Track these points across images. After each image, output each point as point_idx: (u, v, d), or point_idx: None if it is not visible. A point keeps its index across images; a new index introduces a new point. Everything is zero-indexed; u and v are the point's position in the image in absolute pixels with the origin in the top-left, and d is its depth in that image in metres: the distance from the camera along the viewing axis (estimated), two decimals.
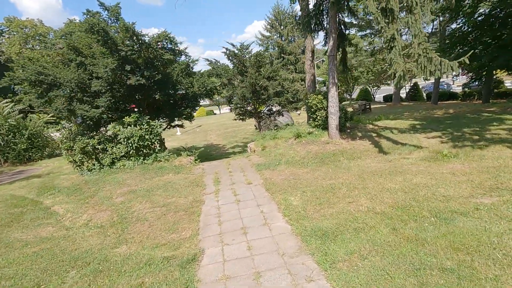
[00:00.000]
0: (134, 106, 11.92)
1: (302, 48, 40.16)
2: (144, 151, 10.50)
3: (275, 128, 23.53)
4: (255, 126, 24.80)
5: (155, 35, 9.81)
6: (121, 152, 10.49)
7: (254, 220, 5.12)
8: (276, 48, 43.35)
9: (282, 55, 40.42)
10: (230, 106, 15.32)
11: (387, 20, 6.83)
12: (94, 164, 10.71)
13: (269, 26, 50.86)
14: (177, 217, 5.60)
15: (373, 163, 7.74)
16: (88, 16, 10.01)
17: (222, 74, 13.01)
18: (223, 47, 13.59)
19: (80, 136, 10.81)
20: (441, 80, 44.93)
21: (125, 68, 9.73)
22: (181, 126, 15.20)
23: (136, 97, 10.62)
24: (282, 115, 14.96)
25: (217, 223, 5.21)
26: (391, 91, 40.30)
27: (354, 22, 26.60)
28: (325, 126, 11.36)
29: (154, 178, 8.63)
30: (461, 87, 40.90)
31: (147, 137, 10.25)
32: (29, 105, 14.06)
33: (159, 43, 9.91)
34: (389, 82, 42.81)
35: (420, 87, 36.94)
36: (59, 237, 5.43)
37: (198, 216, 5.60)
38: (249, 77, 12.42)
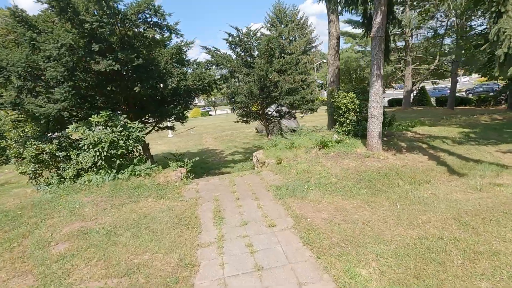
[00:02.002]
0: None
1: (302, 47, 37.77)
2: (118, 161, 7.73)
3: (279, 132, 20.93)
4: (256, 129, 22.14)
5: (133, 3, 7.08)
6: (88, 163, 7.71)
7: None
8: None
9: (282, 54, 37.87)
10: (231, 106, 12.64)
11: None
12: (52, 177, 7.95)
13: (269, 25, 48.44)
14: None
15: (455, 192, 5.14)
16: None
17: (224, 64, 10.33)
18: (226, 32, 10.95)
19: (32, 140, 7.98)
20: (443, 85, 43.07)
21: (91, 48, 6.99)
22: (171, 128, 12.43)
23: (109, 89, 7.86)
24: (295, 118, 12.34)
25: None
26: (392, 95, 38.18)
27: None
28: (356, 133, 8.78)
29: (126, 205, 5.88)
30: (464, 93, 39.11)
31: (121, 143, 7.49)
32: None
33: (139, 14, 7.19)
34: (394, 85, 40.65)
35: None
36: None
37: None
38: (258, 69, 9.76)
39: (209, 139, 22.57)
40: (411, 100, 30.63)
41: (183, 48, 9.07)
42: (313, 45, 53.11)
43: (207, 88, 10.71)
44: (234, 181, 7.10)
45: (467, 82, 53.43)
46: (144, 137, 8.39)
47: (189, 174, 9.13)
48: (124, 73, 8.14)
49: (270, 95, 10.71)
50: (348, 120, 8.92)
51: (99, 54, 7.35)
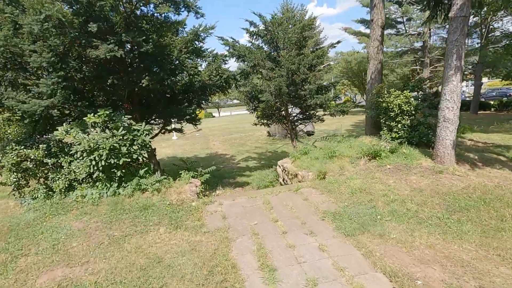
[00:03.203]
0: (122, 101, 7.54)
1: (311, 48, 36.19)
2: (119, 173, 6.13)
3: (295, 136, 19.31)
4: (268, 132, 20.53)
5: None
6: (81, 173, 6.12)
7: None
8: None
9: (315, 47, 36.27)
10: (249, 106, 11.04)
11: None
12: (39, 189, 6.39)
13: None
14: None
15: None
16: None
17: (246, 56, 8.72)
18: (247, 20, 9.38)
19: (13, 144, 6.37)
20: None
21: (88, 28, 5.41)
22: (180, 131, 10.83)
23: (109, 82, 6.26)
24: (323, 120, 10.72)
25: None
26: None
27: None
28: (410, 141, 7.16)
29: (129, 238, 4.26)
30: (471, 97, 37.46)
31: (123, 150, 5.89)
32: None
33: None
34: None
35: None
36: None
37: None
38: (288, 61, 8.17)
39: (217, 143, 20.97)
40: None
41: (201, 34, 7.46)
42: (321, 46, 51.56)
43: (224, 85, 9.11)
44: (270, 202, 5.47)
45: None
46: (151, 142, 6.80)
47: (203, 186, 7.57)
48: (129, 61, 6.57)
49: (299, 93, 9.11)
50: (399, 125, 7.30)
51: (97, 37, 5.78)
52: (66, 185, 6.21)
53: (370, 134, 9.02)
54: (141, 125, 6.35)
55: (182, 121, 9.00)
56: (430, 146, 7.28)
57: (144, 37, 5.84)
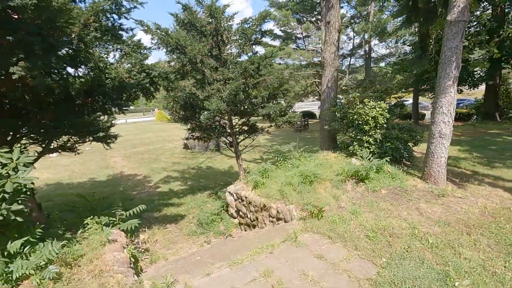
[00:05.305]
0: None
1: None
2: None
3: (216, 148, 17.22)
4: (185, 144, 17.75)
5: None
6: None
7: None
8: None
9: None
10: (174, 116, 8.53)
11: None
12: None
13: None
14: None
15: None
16: None
17: (187, 48, 6.33)
18: (178, 2, 7.03)
19: None
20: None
21: None
22: (72, 149, 7.27)
23: None
24: (269, 133, 9.24)
25: None
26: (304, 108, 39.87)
27: None
28: (382, 156, 6.44)
29: None
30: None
31: None
32: None
33: None
34: (311, 98, 42.53)
35: None
36: None
37: None
38: (248, 61, 6.31)
39: (119, 159, 16.79)
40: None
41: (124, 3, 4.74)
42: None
43: (150, 86, 6.45)
44: (273, 271, 3.45)
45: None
46: (33, 184, 3.71)
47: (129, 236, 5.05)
48: None
49: (251, 101, 7.36)
50: (371, 139, 6.53)
51: None
52: None
53: (327, 149, 8.10)
54: (11, 153, 3.28)
55: (89, 139, 5.84)
56: (400, 162, 6.81)
57: None
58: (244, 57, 7.94)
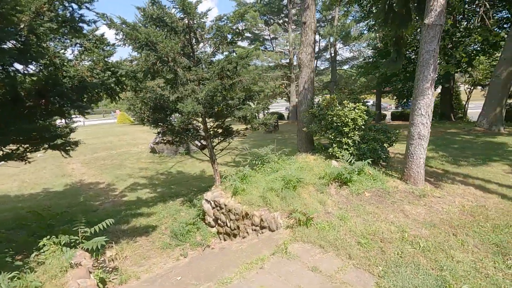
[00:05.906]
0: None
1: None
2: None
3: (186, 152, 16.46)
4: (152, 148, 16.76)
5: None
6: None
7: None
8: None
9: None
10: (140, 118, 7.85)
11: None
12: None
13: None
14: None
15: None
16: None
17: (151, 42, 5.77)
18: None
19: None
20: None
21: None
22: (22, 158, 6.33)
23: None
24: (245, 135, 8.92)
25: None
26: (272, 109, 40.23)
27: None
28: (360, 158, 6.46)
29: None
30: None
31: None
32: None
33: None
34: (278, 99, 42.88)
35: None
36: None
37: None
38: (225, 60, 5.94)
39: (78, 165, 15.36)
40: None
41: None
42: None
43: (115, 86, 5.81)
44: None
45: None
46: None
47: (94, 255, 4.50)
48: None
49: (227, 102, 7.00)
50: (350, 141, 6.52)
51: None
52: None
53: (305, 151, 8.00)
54: None
55: (41, 147, 5.07)
56: (378, 163, 6.89)
57: None
58: (218, 57, 7.61)
